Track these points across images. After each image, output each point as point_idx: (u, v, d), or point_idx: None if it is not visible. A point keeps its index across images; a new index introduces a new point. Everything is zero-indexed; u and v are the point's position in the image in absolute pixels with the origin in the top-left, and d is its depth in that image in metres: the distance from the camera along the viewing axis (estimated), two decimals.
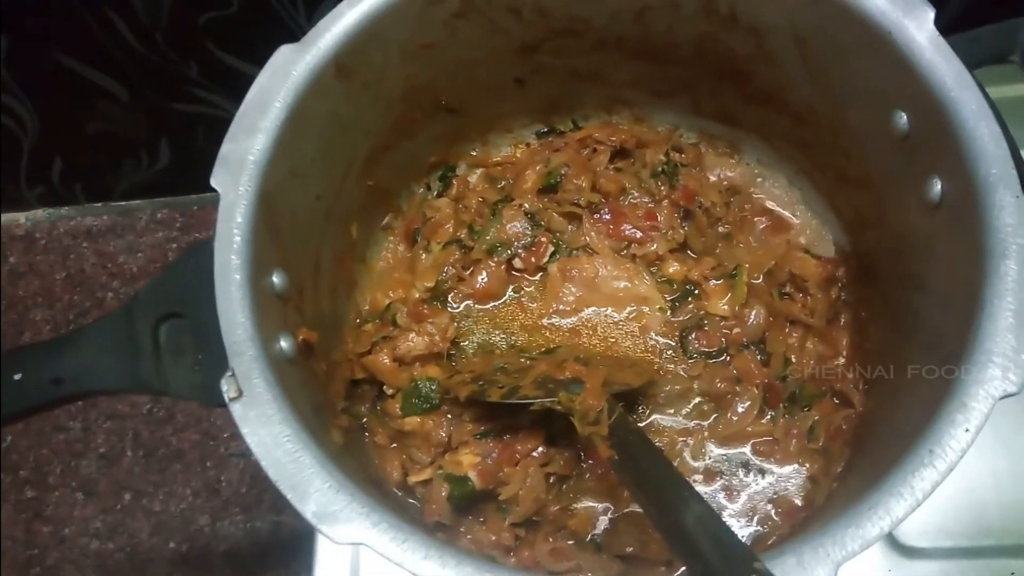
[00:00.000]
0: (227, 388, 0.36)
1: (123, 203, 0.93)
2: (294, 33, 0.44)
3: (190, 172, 0.86)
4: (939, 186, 0.40)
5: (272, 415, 0.35)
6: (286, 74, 0.42)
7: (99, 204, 0.94)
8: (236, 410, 0.35)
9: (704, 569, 0.31)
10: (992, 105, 0.38)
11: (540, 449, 0.48)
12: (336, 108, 0.46)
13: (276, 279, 0.42)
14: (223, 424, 0.82)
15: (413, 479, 0.47)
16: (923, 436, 0.33)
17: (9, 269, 0.94)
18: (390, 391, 0.50)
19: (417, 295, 0.53)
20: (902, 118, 0.42)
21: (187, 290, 0.41)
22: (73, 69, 0.72)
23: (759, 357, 0.50)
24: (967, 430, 0.33)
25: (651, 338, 0.52)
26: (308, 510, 0.33)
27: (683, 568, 0.38)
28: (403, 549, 0.33)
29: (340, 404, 0.48)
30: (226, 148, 0.41)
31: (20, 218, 0.97)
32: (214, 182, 0.40)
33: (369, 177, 0.53)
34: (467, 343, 0.53)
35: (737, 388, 0.49)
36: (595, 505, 0.48)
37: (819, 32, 0.45)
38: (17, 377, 0.41)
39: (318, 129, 0.45)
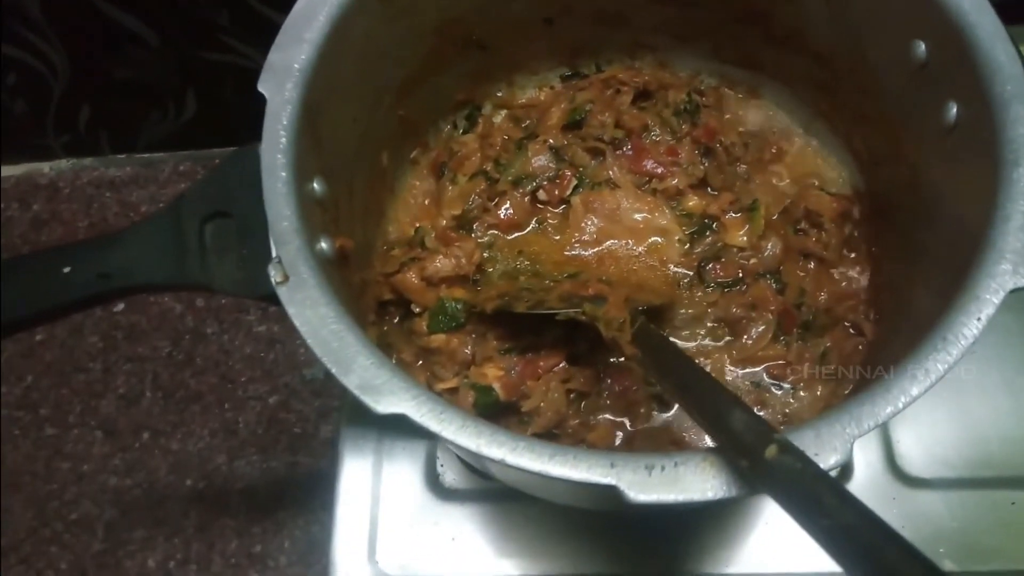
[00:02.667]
0: (274, 273, 0.37)
1: (146, 155, 0.95)
2: None
3: (215, 125, 0.88)
4: (955, 109, 0.42)
5: (317, 298, 0.37)
6: None
7: (123, 156, 0.96)
8: (283, 293, 0.37)
9: (728, 438, 0.33)
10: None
11: (562, 366, 0.49)
12: (374, 30, 0.48)
13: (316, 186, 0.43)
14: (241, 368, 0.84)
15: (440, 387, 0.49)
16: (937, 327, 0.35)
17: (32, 216, 0.95)
18: (417, 310, 0.52)
19: (444, 223, 0.55)
20: (920, 47, 0.44)
21: (232, 191, 0.42)
22: (104, 11, 0.74)
23: (774, 286, 0.52)
24: (979, 319, 0.34)
25: (670, 268, 0.54)
26: (352, 382, 0.35)
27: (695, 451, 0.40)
28: (441, 419, 0.34)
29: (371, 317, 0.50)
30: (273, 56, 0.42)
31: (44, 167, 0.98)
32: (261, 87, 0.42)
33: (401, 107, 0.54)
34: (492, 270, 0.55)
35: (752, 314, 0.51)
36: (613, 420, 0.49)
37: None
38: (66, 271, 0.42)
39: (357, 49, 0.47)
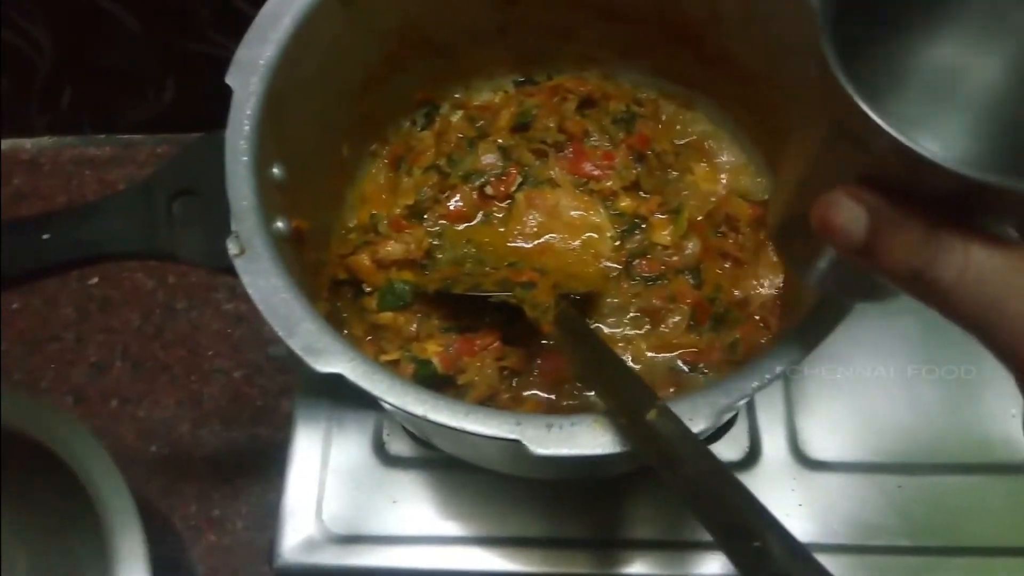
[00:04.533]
0: (232, 246, 0.42)
1: (125, 136, 0.98)
2: None
3: (192, 111, 0.92)
4: None
5: (270, 270, 0.42)
6: None
7: (102, 136, 1.00)
8: (239, 263, 0.42)
9: (618, 402, 0.38)
10: None
11: (496, 345, 0.55)
12: (338, 33, 0.53)
13: (276, 171, 0.48)
14: (208, 343, 0.88)
15: (384, 358, 0.54)
16: (806, 319, 0.41)
17: (13, 191, 0.99)
18: (368, 289, 0.57)
19: (398, 211, 0.60)
20: None
21: (200, 172, 0.47)
22: None
23: (692, 282, 0.58)
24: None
25: (602, 262, 0.59)
26: (296, 344, 0.40)
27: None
28: (372, 380, 0.39)
29: (323, 294, 0.55)
30: (240, 52, 0.47)
31: (26, 143, 1.01)
32: (229, 80, 0.46)
33: (362, 104, 0.59)
34: (441, 256, 0.60)
35: (670, 306, 0.56)
36: (542, 395, 0.54)
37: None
38: (45, 237, 0.47)
39: (321, 50, 0.52)
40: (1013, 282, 0.23)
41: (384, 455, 0.63)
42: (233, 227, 0.43)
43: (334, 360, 0.40)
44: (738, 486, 0.33)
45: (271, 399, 0.90)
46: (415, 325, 0.56)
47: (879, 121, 0.25)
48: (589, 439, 0.37)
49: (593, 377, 0.41)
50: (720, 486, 0.33)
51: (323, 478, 0.62)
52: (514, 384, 0.55)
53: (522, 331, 0.55)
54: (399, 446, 0.63)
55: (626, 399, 0.38)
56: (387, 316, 0.56)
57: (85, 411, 0.90)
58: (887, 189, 0.25)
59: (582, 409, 0.54)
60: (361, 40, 0.55)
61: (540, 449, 0.37)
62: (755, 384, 0.39)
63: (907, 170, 0.24)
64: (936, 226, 0.24)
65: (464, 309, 0.55)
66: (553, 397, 0.54)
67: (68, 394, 0.91)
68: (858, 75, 0.26)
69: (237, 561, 0.76)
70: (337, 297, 0.58)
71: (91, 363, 0.91)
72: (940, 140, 0.31)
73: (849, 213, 0.25)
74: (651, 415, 0.36)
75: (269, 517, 0.79)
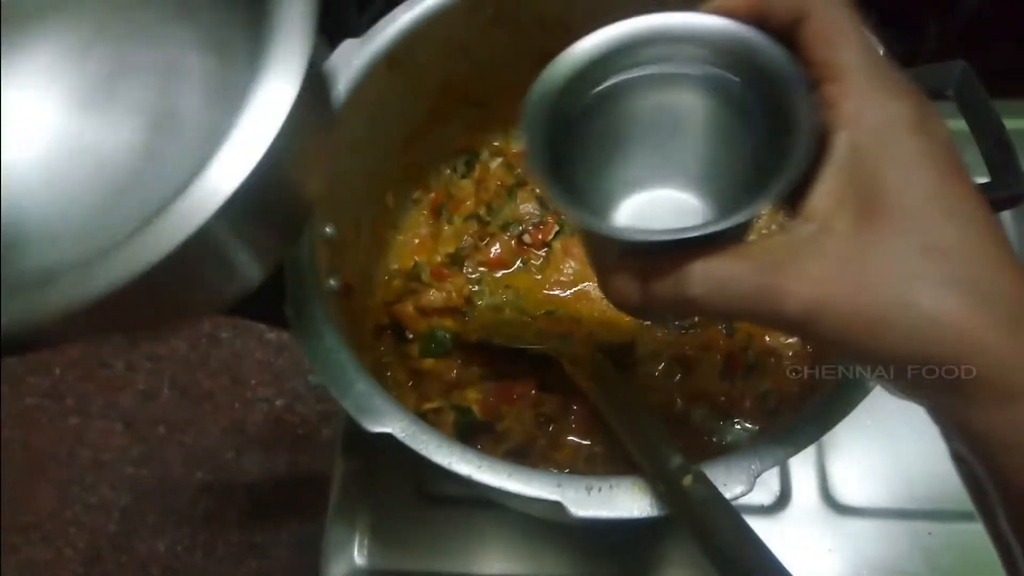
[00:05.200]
0: (289, 310, 0.45)
1: None
2: (354, 31, 0.53)
3: None
4: None
5: (324, 334, 0.44)
6: (348, 64, 0.52)
7: None
8: (296, 327, 0.44)
9: (653, 467, 0.40)
10: None
11: (533, 392, 0.57)
12: (385, 94, 0.55)
13: (328, 230, 0.51)
14: (251, 371, 0.92)
15: (426, 406, 0.56)
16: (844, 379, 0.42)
17: None
18: (411, 336, 0.59)
19: (439, 259, 0.62)
20: None
21: None
22: None
23: (724, 331, 0.59)
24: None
25: None
26: (350, 404, 0.42)
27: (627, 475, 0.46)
28: (419, 441, 0.42)
29: (368, 341, 0.57)
30: None
31: None
32: None
33: (406, 156, 0.62)
34: (480, 302, 0.62)
35: (703, 354, 0.58)
36: (578, 442, 0.56)
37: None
38: None
39: (368, 111, 0.54)
40: (736, 274, 0.29)
41: (424, 492, 0.65)
42: (289, 291, 0.45)
43: (384, 420, 0.42)
44: (771, 559, 0.34)
45: (311, 427, 0.93)
46: (455, 372, 0.58)
47: (576, 213, 0.31)
48: (628, 502, 0.39)
49: (629, 438, 0.43)
50: (752, 557, 0.35)
51: (364, 513, 0.64)
52: (551, 430, 0.57)
53: (558, 378, 0.57)
54: (439, 484, 0.65)
55: (662, 463, 0.39)
56: (429, 363, 0.58)
57: (134, 437, 0.94)
58: (637, 250, 0.32)
59: (618, 456, 0.56)
60: (406, 98, 0.58)
61: (580, 511, 0.39)
62: (791, 450, 0.40)
63: (620, 240, 0.32)
64: (677, 263, 0.30)
65: (502, 356, 0.57)
66: (589, 443, 0.56)
67: (118, 420, 0.95)
68: (588, 151, 0.34)
69: None
70: (380, 342, 0.60)
71: (139, 390, 0.95)
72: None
73: (624, 288, 0.32)
74: (687, 481, 0.38)
75: (309, 545, 0.82)
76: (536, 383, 0.56)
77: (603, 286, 0.34)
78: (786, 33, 0.32)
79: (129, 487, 0.88)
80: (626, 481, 0.40)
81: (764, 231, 0.61)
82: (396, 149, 0.60)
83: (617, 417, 0.46)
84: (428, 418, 0.56)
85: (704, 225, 0.29)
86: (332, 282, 0.49)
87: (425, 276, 0.60)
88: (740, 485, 0.39)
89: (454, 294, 0.60)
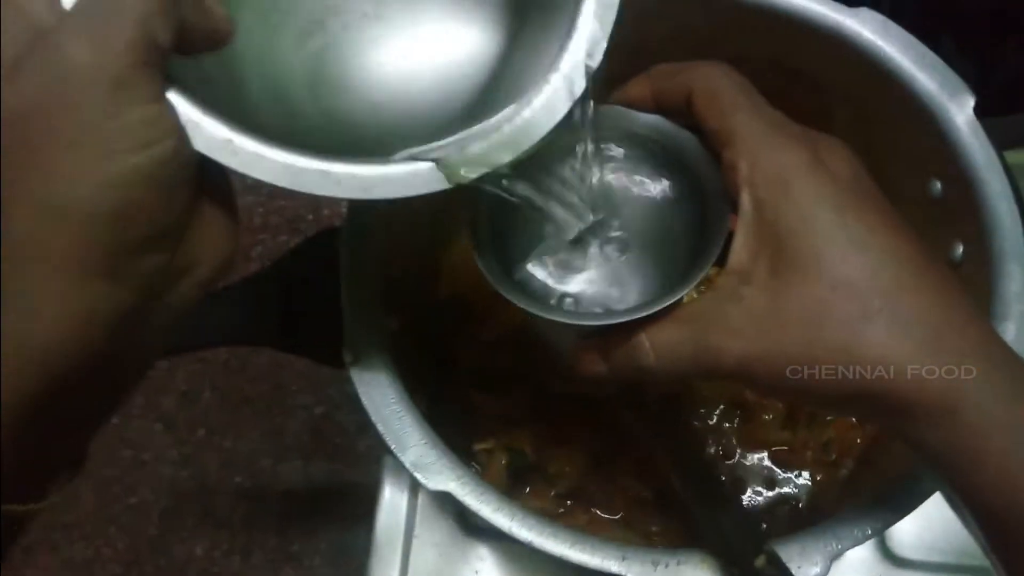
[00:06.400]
0: (347, 354, 0.44)
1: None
2: None
3: None
4: (961, 249, 0.46)
5: (381, 379, 0.43)
6: None
7: None
8: (354, 373, 0.43)
9: (725, 544, 0.38)
10: (1014, 185, 0.45)
11: (586, 434, 0.55)
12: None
13: (389, 271, 0.49)
14: (291, 379, 0.91)
15: (478, 446, 0.55)
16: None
17: None
18: (464, 368, 0.58)
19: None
20: (936, 185, 0.48)
21: (318, 265, 0.49)
22: None
23: None
24: None
25: None
26: (407, 460, 0.41)
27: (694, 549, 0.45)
28: (480, 501, 0.40)
29: (423, 375, 0.56)
30: None
31: None
32: None
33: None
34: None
35: (764, 402, 0.56)
36: (632, 485, 0.55)
37: (873, 98, 0.52)
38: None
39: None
40: (678, 339, 0.32)
41: (466, 523, 0.64)
42: (347, 333, 0.44)
43: (442, 478, 0.41)
44: None
45: (349, 437, 0.92)
46: (509, 407, 0.57)
47: (530, 307, 0.34)
48: None
49: (699, 509, 0.41)
50: None
51: (407, 542, 0.63)
52: (602, 474, 0.55)
53: (612, 420, 0.55)
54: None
55: (733, 540, 0.38)
56: (482, 397, 0.57)
57: (174, 439, 0.94)
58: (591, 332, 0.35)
59: (673, 504, 0.54)
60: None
61: None
62: (868, 531, 0.38)
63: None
64: (628, 337, 0.33)
65: (557, 395, 0.56)
66: (644, 490, 0.55)
67: (158, 421, 0.95)
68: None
69: None
70: (435, 374, 0.59)
71: (181, 391, 0.95)
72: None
73: (590, 365, 0.35)
74: (759, 562, 0.36)
75: (344, 556, 0.82)
76: (590, 425, 0.55)
77: (570, 364, 0.36)
78: (684, 111, 0.35)
79: (168, 489, 0.89)
80: (694, 557, 0.38)
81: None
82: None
83: (683, 482, 0.44)
84: (480, 459, 0.55)
85: (645, 306, 0.33)
86: (390, 322, 0.48)
87: (477, 308, 0.59)
88: (815, 567, 0.38)
89: (507, 325, 0.58)
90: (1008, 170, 0.45)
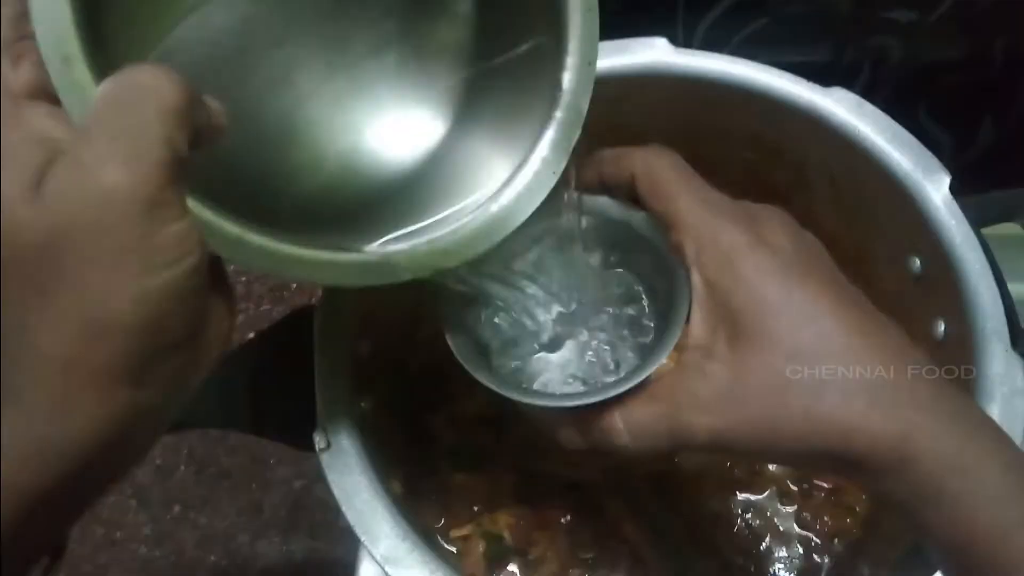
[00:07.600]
0: (318, 440, 0.42)
1: None
2: None
3: None
4: (943, 327, 0.46)
5: (353, 466, 0.42)
6: None
7: None
8: (324, 459, 0.42)
9: None
10: (994, 263, 0.44)
11: (568, 518, 0.53)
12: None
13: (364, 346, 0.49)
14: (271, 451, 0.89)
15: (455, 533, 0.53)
16: None
17: None
18: (441, 447, 0.56)
19: None
20: (915, 262, 0.48)
21: (286, 347, 0.48)
22: None
23: None
24: None
25: None
26: (378, 552, 0.40)
27: None
28: None
29: (399, 453, 0.54)
30: None
31: None
32: None
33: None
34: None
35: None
36: (612, 573, 0.53)
37: (850, 176, 0.52)
38: None
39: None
40: (651, 418, 0.33)
41: None
42: (320, 417, 0.43)
43: (415, 572, 0.39)
44: None
45: (331, 513, 0.89)
46: (486, 488, 0.55)
47: (512, 395, 0.35)
48: None
49: None
50: None
51: None
52: (586, 558, 0.53)
53: (595, 503, 0.54)
54: None
55: None
56: (459, 478, 0.55)
57: (148, 515, 0.91)
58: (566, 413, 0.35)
59: None
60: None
61: None
62: None
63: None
64: (602, 416, 0.34)
65: (536, 477, 0.54)
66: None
67: (132, 497, 0.92)
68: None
69: None
70: (410, 452, 0.57)
71: (156, 465, 0.92)
72: None
73: (572, 440, 0.35)
74: None
75: None
76: (571, 508, 0.53)
77: (556, 439, 0.37)
78: (630, 194, 0.36)
79: (141, 569, 0.86)
80: None
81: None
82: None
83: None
84: (457, 544, 0.53)
85: (616, 384, 0.34)
86: (364, 404, 0.47)
87: (455, 384, 0.58)
88: None
89: (486, 404, 0.57)
90: (987, 248, 0.44)
